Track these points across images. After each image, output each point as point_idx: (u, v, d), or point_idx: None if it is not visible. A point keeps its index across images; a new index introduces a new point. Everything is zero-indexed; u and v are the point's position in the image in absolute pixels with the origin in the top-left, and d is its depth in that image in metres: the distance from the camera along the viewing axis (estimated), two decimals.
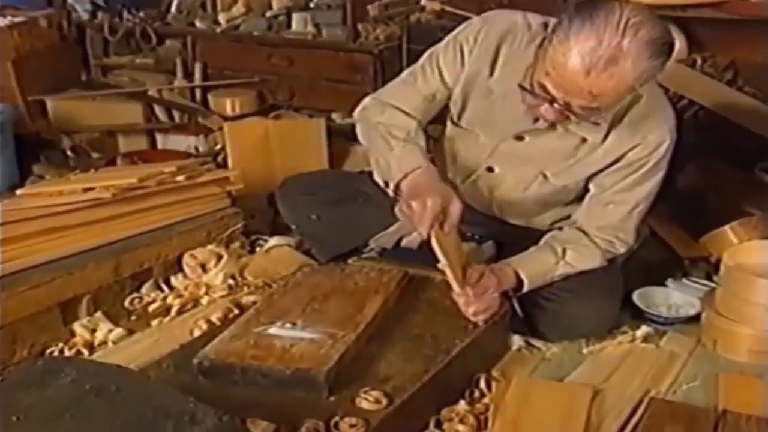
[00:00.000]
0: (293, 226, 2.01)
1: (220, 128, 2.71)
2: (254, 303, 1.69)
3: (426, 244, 1.48)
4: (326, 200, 1.88)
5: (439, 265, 1.48)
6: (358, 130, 1.69)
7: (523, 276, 1.58)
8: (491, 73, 1.60)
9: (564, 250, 1.61)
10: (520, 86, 1.45)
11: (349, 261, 1.82)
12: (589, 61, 1.32)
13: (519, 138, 1.61)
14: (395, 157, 1.55)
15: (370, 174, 2.07)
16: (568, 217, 1.72)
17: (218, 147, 2.73)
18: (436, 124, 1.73)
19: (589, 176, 1.63)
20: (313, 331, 1.43)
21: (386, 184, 1.56)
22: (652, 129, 1.56)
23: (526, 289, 1.60)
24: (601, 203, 1.64)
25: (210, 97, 3.00)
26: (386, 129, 1.60)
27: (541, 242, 1.65)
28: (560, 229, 1.70)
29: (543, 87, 1.40)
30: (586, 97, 1.36)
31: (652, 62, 1.34)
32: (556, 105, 1.41)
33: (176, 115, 2.99)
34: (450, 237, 1.50)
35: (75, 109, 2.88)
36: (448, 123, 1.70)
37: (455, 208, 1.48)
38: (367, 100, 1.70)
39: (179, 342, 1.57)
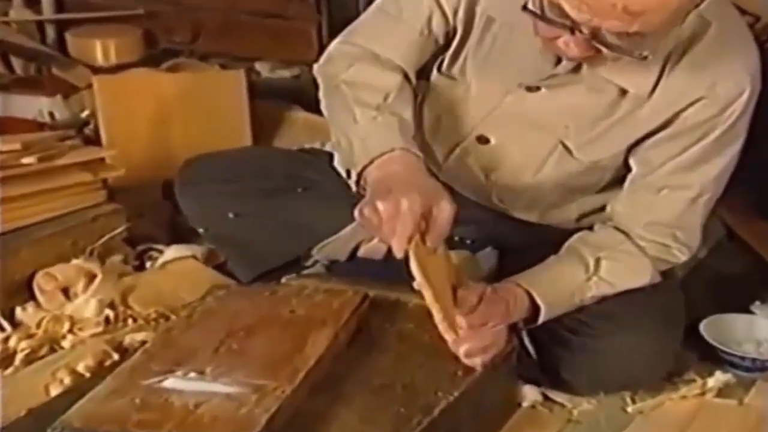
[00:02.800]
0: (201, 230, 2.04)
1: (88, 85, 2.71)
2: (143, 343, 1.71)
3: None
4: (249, 191, 1.92)
5: (420, 288, 1.47)
6: (321, 93, 1.72)
7: (539, 300, 1.61)
8: None
9: (597, 261, 1.65)
10: (525, 9, 1.45)
11: (284, 279, 1.85)
12: None
13: (532, 89, 1.65)
14: (360, 134, 1.56)
15: (316, 152, 2.11)
16: (603, 209, 1.76)
17: (85, 113, 2.73)
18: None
19: (630, 147, 1.67)
20: (231, 382, 1.45)
21: (348, 174, 1.58)
22: (724, 75, 1.58)
23: (543, 318, 1.63)
24: (649, 189, 1.68)
25: (69, 38, 2.99)
26: (353, 92, 1.62)
27: (564, 249, 1.69)
28: (590, 228, 1.74)
29: (558, 8, 1.41)
30: (621, 17, 1.36)
31: None
32: (579, 34, 1.42)
33: (17, 64, 2.99)
34: (436, 256, 1.49)
35: None
36: (434, 72, 1.74)
37: (444, 212, 1.44)
38: (333, 46, 1.73)
39: (28, 404, 1.58)
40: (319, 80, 1.71)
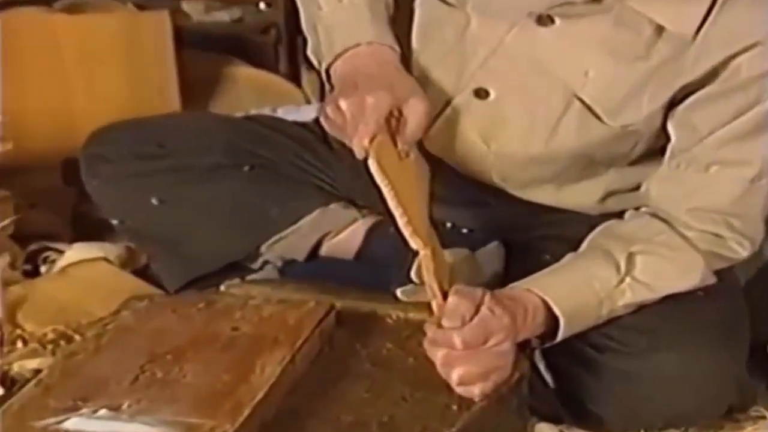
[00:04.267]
0: (115, 222, 2.04)
1: None
2: (37, 373, 1.69)
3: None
4: (179, 170, 1.92)
5: (381, 188, 1.52)
6: None
7: (557, 311, 1.61)
8: None
9: (630, 258, 1.65)
10: None
11: (224, 286, 1.85)
12: None
13: (543, 21, 1.67)
14: (324, 23, 1.74)
15: (265, 120, 2.12)
16: (637, 188, 1.78)
17: None
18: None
19: (668, 106, 1.68)
20: (154, 421, 1.44)
21: (320, 64, 1.75)
22: None
23: (563, 334, 1.63)
24: (695, 164, 1.69)
25: None
26: None
27: (586, 245, 1.70)
28: (620, 214, 1.75)
29: None
30: None
31: None
32: None
33: None
34: (406, 161, 1.58)
35: None
36: None
37: (416, 111, 1.59)
38: None
39: None
40: None
